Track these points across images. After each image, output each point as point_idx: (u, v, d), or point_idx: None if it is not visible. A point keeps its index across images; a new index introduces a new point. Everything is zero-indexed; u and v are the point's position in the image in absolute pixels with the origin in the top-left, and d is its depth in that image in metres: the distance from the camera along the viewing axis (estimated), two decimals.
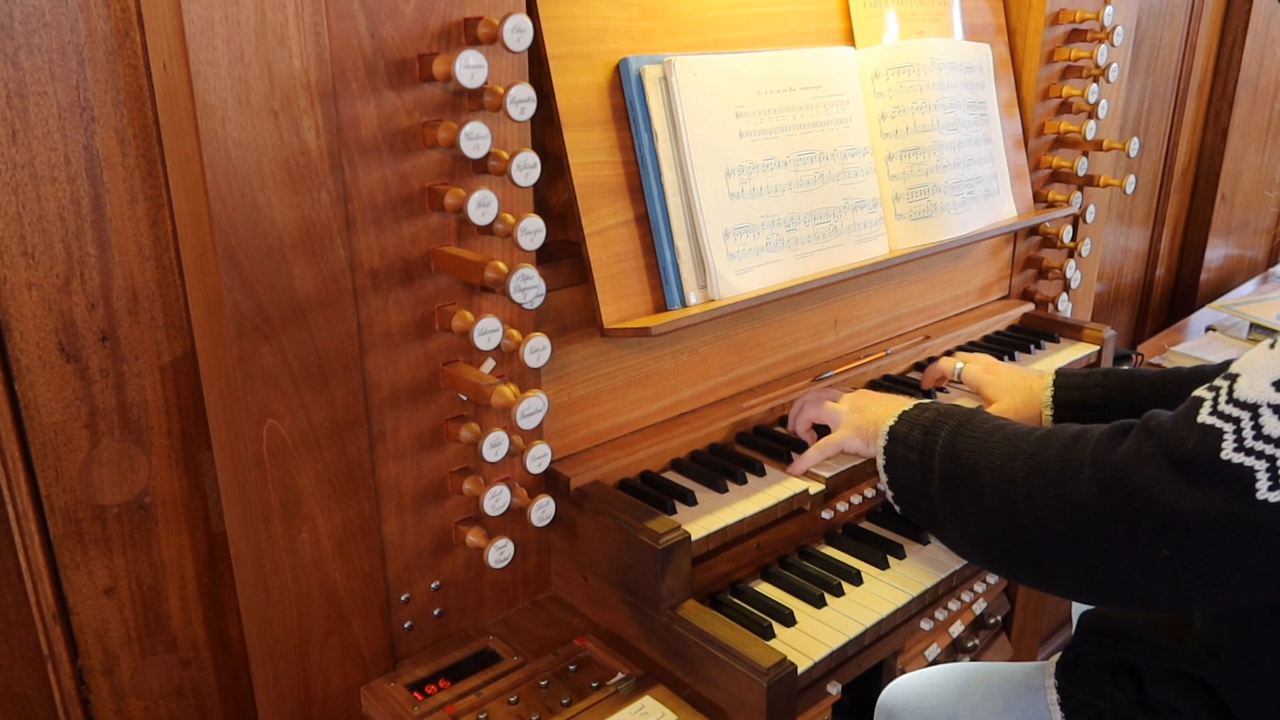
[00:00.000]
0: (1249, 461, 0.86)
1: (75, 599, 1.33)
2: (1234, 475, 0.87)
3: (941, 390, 1.78)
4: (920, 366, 1.91)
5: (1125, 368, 1.53)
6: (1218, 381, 0.94)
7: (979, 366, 1.67)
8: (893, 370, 1.87)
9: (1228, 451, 0.88)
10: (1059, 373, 1.56)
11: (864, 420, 1.40)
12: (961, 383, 1.71)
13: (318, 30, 1.08)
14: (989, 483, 1.07)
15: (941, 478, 1.14)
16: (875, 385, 1.81)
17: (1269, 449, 0.86)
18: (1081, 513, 0.97)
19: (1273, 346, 0.90)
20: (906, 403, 1.31)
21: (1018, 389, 1.59)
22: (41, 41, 1.15)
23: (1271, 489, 0.85)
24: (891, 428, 1.26)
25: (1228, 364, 1.43)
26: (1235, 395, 0.90)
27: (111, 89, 1.21)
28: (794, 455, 1.52)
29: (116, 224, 1.25)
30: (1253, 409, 0.88)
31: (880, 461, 1.26)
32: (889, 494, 1.25)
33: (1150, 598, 0.99)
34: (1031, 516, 1.02)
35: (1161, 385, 1.45)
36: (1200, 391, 0.95)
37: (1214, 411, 0.91)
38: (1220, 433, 0.89)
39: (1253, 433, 0.87)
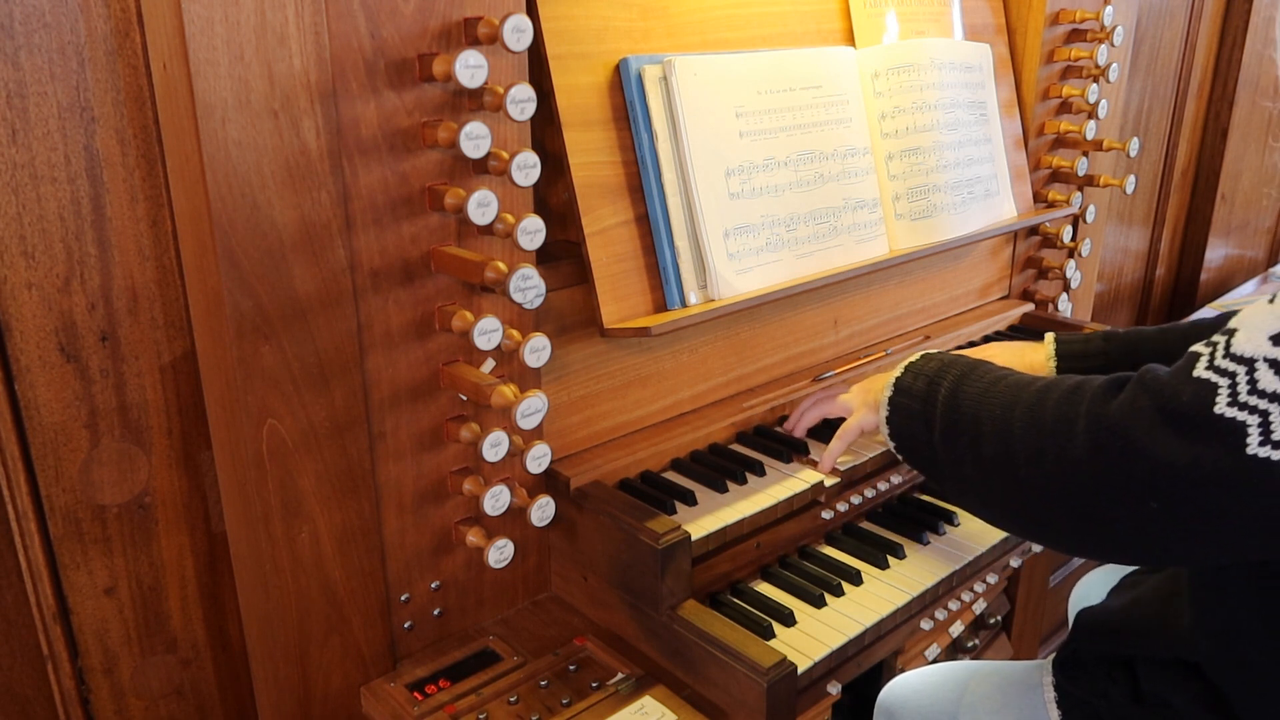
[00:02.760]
0: (1241, 416, 0.87)
1: (75, 599, 1.33)
2: (1226, 429, 0.87)
3: None
4: None
5: (1125, 329, 1.52)
6: (1215, 337, 0.94)
7: (969, 351, 1.64)
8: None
9: (1221, 405, 0.88)
10: (1060, 339, 1.55)
11: (870, 393, 1.41)
12: None
13: (318, 30, 1.08)
14: (988, 432, 1.08)
15: (943, 426, 1.15)
16: None
17: (1263, 404, 0.86)
18: (1075, 465, 0.98)
19: (1272, 301, 0.90)
20: (912, 356, 1.30)
21: (1015, 362, 1.57)
22: (41, 41, 1.15)
23: (1262, 443, 0.85)
24: (897, 379, 1.25)
25: (1229, 316, 1.43)
26: (1232, 350, 0.90)
27: (111, 89, 1.21)
28: (794, 457, 1.53)
29: (116, 224, 1.25)
30: (1249, 363, 0.88)
31: (884, 414, 1.25)
32: (891, 445, 1.25)
33: (1138, 551, 1.00)
34: (1027, 468, 1.02)
35: (1162, 343, 1.45)
36: (1197, 347, 0.95)
37: (1210, 366, 0.91)
38: (1215, 387, 0.89)
39: (1247, 387, 0.87)
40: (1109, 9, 2.07)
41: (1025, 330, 2.12)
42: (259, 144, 1.07)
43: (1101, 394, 1.00)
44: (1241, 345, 0.90)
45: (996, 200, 1.95)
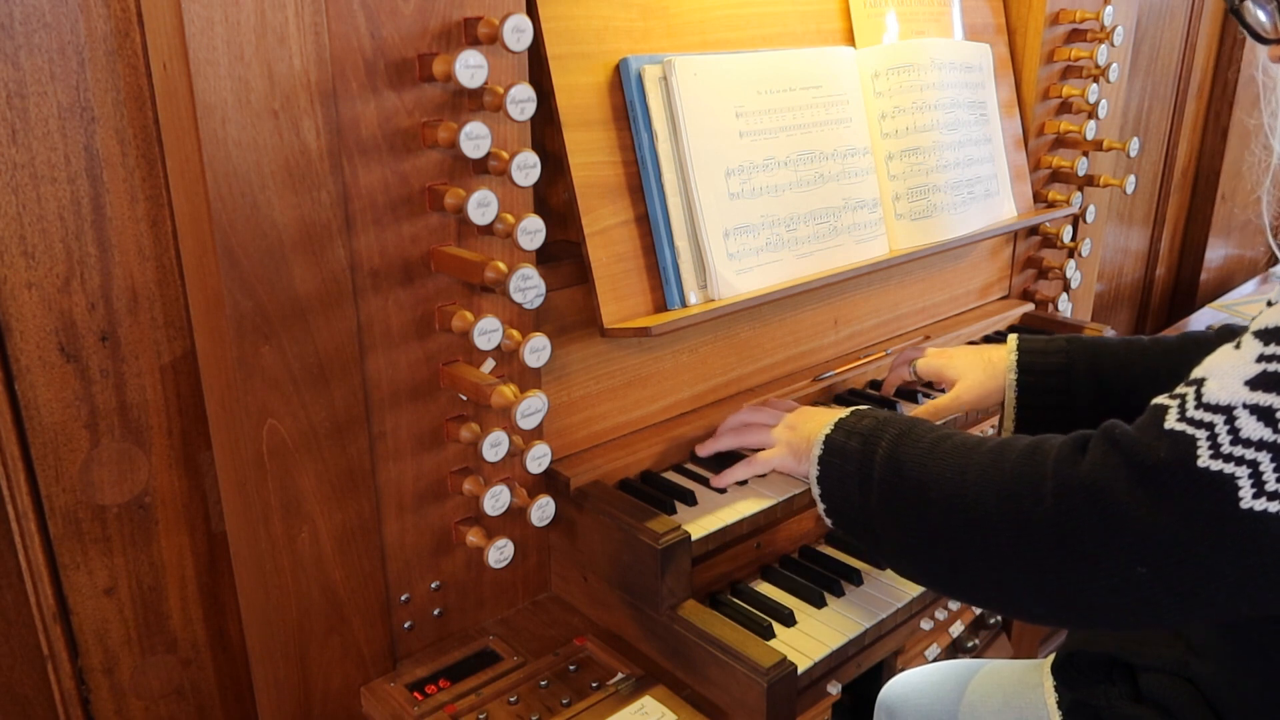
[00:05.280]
0: (1229, 468, 0.81)
1: (75, 599, 1.33)
2: (1214, 483, 0.81)
3: (910, 398, 1.74)
4: None
5: (1090, 335, 1.44)
6: (1179, 389, 0.88)
7: (932, 354, 1.60)
8: None
9: (1204, 459, 0.82)
10: (1022, 338, 1.47)
11: (797, 436, 1.31)
12: (920, 379, 1.64)
13: (318, 30, 1.08)
14: (936, 497, 1.00)
15: (881, 490, 1.07)
16: (854, 392, 1.78)
17: (1250, 453, 0.80)
18: (1044, 531, 0.91)
19: (1238, 347, 0.85)
20: (843, 411, 1.21)
21: (978, 365, 1.51)
22: (41, 41, 1.15)
23: (1256, 495, 0.80)
24: (827, 437, 1.17)
25: (1188, 337, 1.40)
26: (1205, 399, 0.85)
27: (111, 89, 1.21)
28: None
29: (116, 224, 1.25)
30: (1226, 411, 0.83)
31: (814, 473, 1.16)
32: (821, 507, 1.16)
33: (1123, 619, 0.94)
34: (984, 534, 0.95)
35: (1124, 355, 1.39)
36: (1161, 400, 0.89)
37: (1182, 418, 0.85)
38: (1193, 440, 0.83)
39: (1229, 437, 0.82)
40: (1109, 9, 2.07)
41: (1025, 330, 2.12)
42: (259, 144, 1.07)
43: (1068, 453, 0.93)
44: (1215, 393, 0.84)
45: (996, 200, 1.95)
